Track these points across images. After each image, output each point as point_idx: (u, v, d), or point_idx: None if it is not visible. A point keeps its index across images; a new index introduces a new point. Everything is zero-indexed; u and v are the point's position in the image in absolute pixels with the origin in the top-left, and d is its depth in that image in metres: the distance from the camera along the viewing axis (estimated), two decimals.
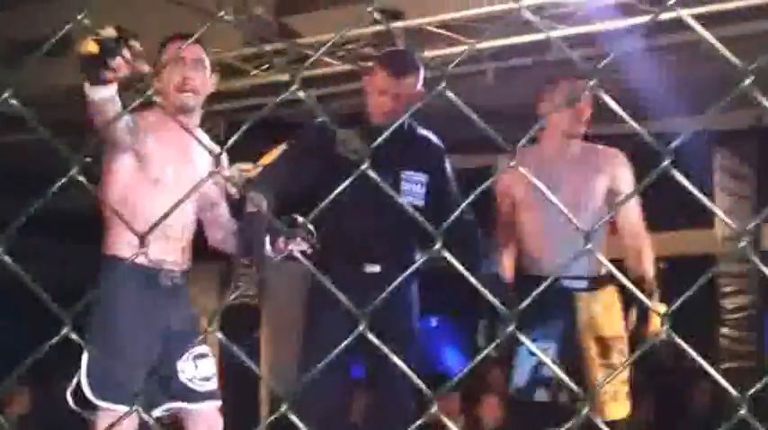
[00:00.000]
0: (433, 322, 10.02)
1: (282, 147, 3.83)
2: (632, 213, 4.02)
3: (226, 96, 7.24)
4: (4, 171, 7.64)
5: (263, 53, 6.92)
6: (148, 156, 3.35)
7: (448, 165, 3.90)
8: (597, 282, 4.00)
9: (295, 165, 3.70)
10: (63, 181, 1.29)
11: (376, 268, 3.71)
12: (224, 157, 3.60)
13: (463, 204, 1.53)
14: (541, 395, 3.90)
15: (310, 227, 3.39)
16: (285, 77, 6.84)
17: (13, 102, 1.24)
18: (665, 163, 1.18)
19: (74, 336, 1.26)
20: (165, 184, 3.37)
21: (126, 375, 3.29)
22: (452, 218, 1.31)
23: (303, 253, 3.38)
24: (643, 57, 5.91)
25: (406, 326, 3.78)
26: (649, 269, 4.01)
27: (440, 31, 6.41)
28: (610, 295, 4.04)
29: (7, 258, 1.26)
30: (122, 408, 3.21)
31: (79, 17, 1.25)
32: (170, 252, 3.43)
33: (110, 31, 2.89)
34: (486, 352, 3.72)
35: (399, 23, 6.46)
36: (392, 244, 3.71)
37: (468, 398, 7.11)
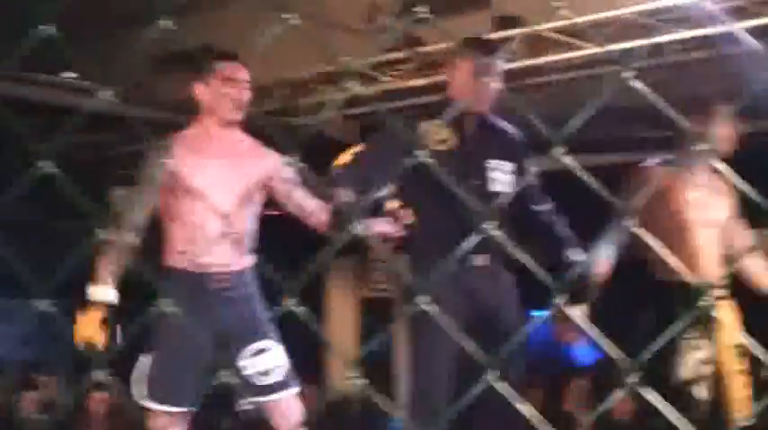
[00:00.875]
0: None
1: (358, 148, 3.64)
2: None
3: (359, 101, 7.34)
4: None
5: (392, 60, 6.97)
6: (182, 173, 3.36)
7: (528, 157, 3.72)
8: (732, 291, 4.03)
9: (376, 162, 3.50)
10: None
11: (480, 260, 3.51)
12: (271, 159, 3.55)
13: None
14: (700, 392, 3.85)
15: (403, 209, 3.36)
16: (412, 83, 6.88)
17: None
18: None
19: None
20: (198, 193, 3.35)
21: (178, 378, 3.33)
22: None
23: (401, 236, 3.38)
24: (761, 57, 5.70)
25: (516, 314, 3.64)
26: None
27: (558, 36, 6.32)
28: (733, 305, 4.04)
29: None
30: (169, 408, 3.31)
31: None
32: (214, 253, 3.39)
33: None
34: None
35: (519, 30, 6.41)
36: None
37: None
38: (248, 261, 3.50)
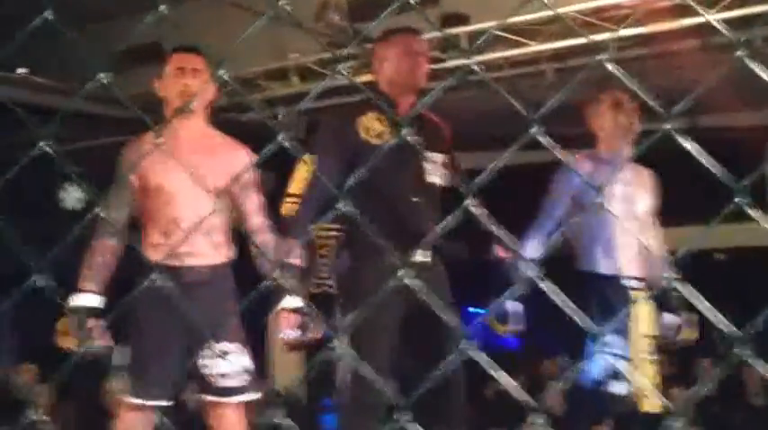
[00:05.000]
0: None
1: (306, 162, 3.50)
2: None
3: (305, 97, 7.35)
4: None
5: (340, 57, 6.99)
6: (148, 173, 3.38)
7: (452, 145, 3.72)
8: (644, 284, 4.11)
9: (332, 171, 3.42)
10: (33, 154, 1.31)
11: (426, 256, 3.46)
12: (245, 154, 3.54)
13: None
14: (619, 388, 3.90)
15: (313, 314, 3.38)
16: (360, 79, 6.90)
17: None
18: (668, 126, 1.17)
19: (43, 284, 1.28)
20: (169, 190, 3.38)
21: (150, 369, 3.31)
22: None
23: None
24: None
25: (452, 310, 3.67)
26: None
27: (503, 33, 6.41)
28: (647, 297, 4.13)
29: None
30: (140, 401, 3.29)
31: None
32: (190, 246, 3.37)
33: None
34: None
35: (464, 28, 6.48)
36: (431, 228, 3.41)
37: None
38: (225, 255, 3.47)
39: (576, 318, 1.23)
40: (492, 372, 1.20)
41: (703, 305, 1.12)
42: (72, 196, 7.79)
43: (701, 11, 5.51)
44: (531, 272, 1.14)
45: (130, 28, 5.64)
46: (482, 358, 1.17)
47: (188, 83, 3.43)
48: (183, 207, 3.37)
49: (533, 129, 1.11)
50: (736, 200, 1.11)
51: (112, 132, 6.88)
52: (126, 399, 3.33)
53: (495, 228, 1.24)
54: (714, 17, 5.26)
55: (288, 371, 8.08)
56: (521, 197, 4.09)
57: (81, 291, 3.34)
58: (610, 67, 1.15)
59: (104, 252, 3.35)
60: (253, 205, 3.51)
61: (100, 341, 3.31)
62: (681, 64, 5.97)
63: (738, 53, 1.18)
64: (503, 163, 1.16)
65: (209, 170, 3.38)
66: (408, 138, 3.48)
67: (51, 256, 1.28)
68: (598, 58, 1.14)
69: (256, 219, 3.50)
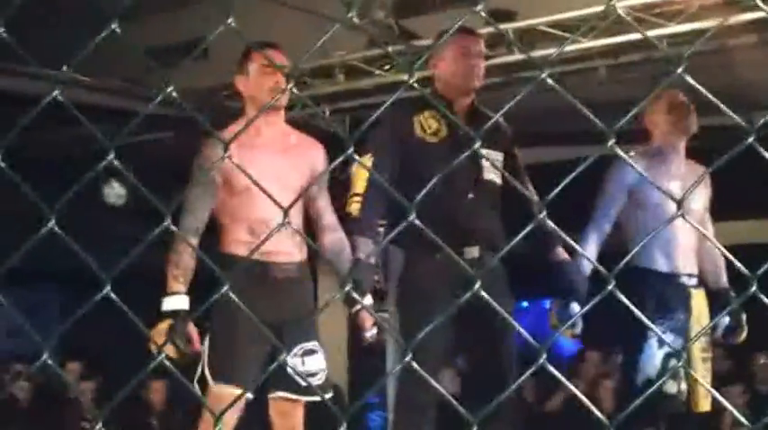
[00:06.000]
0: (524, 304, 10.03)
1: (366, 159, 3.52)
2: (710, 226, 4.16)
3: (351, 95, 7.33)
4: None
5: (386, 54, 6.96)
6: (234, 172, 3.32)
7: (515, 145, 3.74)
8: (699, 281, 4.08)
9: (391, 169, 3.48)
10: (102, 165, 1.29)
11: (475, 253, 3.48)
12: (322, 151, 3.56)
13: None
14: (671, 387, 3.85)
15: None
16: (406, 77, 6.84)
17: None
18: (750, 139, 1.11)
19: (113, 296, 1.26)
20: (256, 190, 3.21)
21: (241, 362, 3.29)
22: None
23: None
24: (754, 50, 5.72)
25: (509, 306, 3.65)
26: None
27: (551, 30, 6.32)
28: (704, 295, 4.09)
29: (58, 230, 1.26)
30: (234, 389, 3.25)
31: (229, 21, 1.26)
32: (278, 244, 3.36)
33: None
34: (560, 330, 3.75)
35: (512, 24, 6.40)
36: (487, 225, 3.49)
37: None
38: (304, 252, 3.49)
39: (639, 318, 1.19)
40: (569, 386, 1.17)
41: None
42: (114, 192, 7.83)
43: (761, 5, 5.38)
44: (608, 283, 1.10)
45: (167, 25, 5.67)
46: (557, 373, 1.16)
47: (279, 80, 3.42)
48: (271, 207, 3.29)
49: (610, 143, 1.07)
50: None
51: (153, 129, 6.92)
52: (218, 388, 3.28)
53: (562, 235, 1.21)
54: None
55: (332, 367, 8.05)
56: (570, 191, 4.02)
57: (173, 293, 3.27)
58: (690, 80, 1.09)
59: (190, 251, 3.28)
60: (326, 203, 3.57)
61: (196, 345, 3.27)
62: (737, 60, 5.85)
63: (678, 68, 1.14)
64: (572, 177, 1.13)
65: (292, 168, 3.42)
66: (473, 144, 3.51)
67: (122, 266, 1.25)
68: (678, 71, 1.09)
69: (329, 217, 3.56)
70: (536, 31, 6.38)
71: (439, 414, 3.43)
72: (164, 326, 3.22)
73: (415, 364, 1.19)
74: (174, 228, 1.29)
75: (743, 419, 1.13)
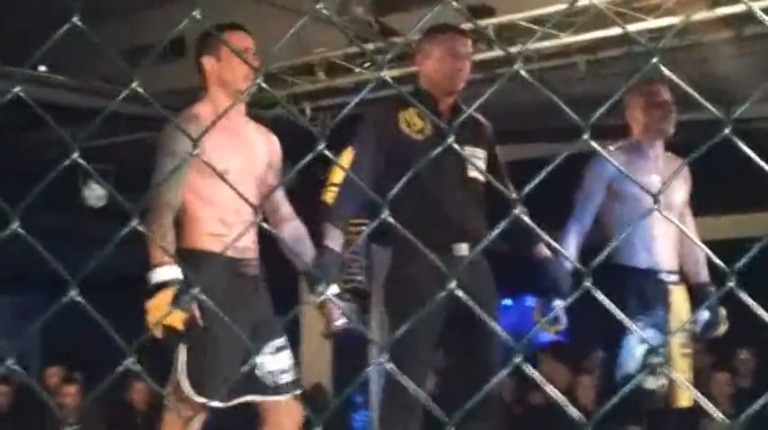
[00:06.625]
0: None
1: (348, 152, 3.51)
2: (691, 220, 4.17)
3: (332, 92, 7.33)
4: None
5: (366, 51, 6.96)
6: (209, 152, 3.06)
7: (496, 142, 3.73)
8: (680, 277, 4.09)
9: (372, 165, 3.44)
10: (65, 165, 1.28)
11: (464, 250, 3.47)
12: (276, 143, 3.47)
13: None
14: (651, 383, 3.85)
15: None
16: (387, 74, 6.84)
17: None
18: (726, 131, 1.13)
19: (79, 299, 1.24)
20: (231, 174, 3.17)
21: (222, 377, 3.14)
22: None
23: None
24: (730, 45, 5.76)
25: (496, 304, 3.68)
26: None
27: (531, 25, 6.34)
28: (684, 291, 4.10)
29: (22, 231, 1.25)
30: (203, 400, 3.13)
31: (194, 13, 1.26)
32: (247, 239, 3.25)
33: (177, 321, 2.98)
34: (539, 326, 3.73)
35: (491, 20, 6.42)
36: (474, 222, 3.46)
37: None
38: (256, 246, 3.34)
39: (617, 315, 1.20)
40: (544, 386, 1.18)
41: (759, 311, 1.08)
42: (95, 194, 7.80)
43: None
44: (585, 280, 1.11)
45: (146, 24, 5.65)
46: (534, 372, 1.16)
47: (258, 65, 3.33)
48: (243, 191, 3.19)
49: (585, 137, 1.08)
50: None
51: (131, 130, 6.89)
52: (190, 398, 3.13)
53: (541, 232, 1.22)
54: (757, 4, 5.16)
55: (316, 366, 8.06)
56: (551, 187, 4.03)
57: (162, 264, 3.02)
58: (665, 70, 1.10)
59: (169, 228, 3.12)
60: (282, 195, 3.48)
61: (198, 317, 3.03)
62: (714, 55, 5.89)
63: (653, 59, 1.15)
64: (547, 171, 1.13)
65: (255, 155, 3.33)
66: (451, 141, 3.51)
67: (90, 268, 1.24)
68: (653, 60, 1.10)
69: (286, 208, 3.47)
70: (515, 27, 6.40)
71: (426, 411, 3.44)
72: (163, 298, 2.99)
73: (390, 366, 1.19)
74: (141, 228, 1.26)
75: (721, 416, 1.13)
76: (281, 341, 3.31)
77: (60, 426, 6.99)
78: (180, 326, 2.96)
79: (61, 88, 6.91)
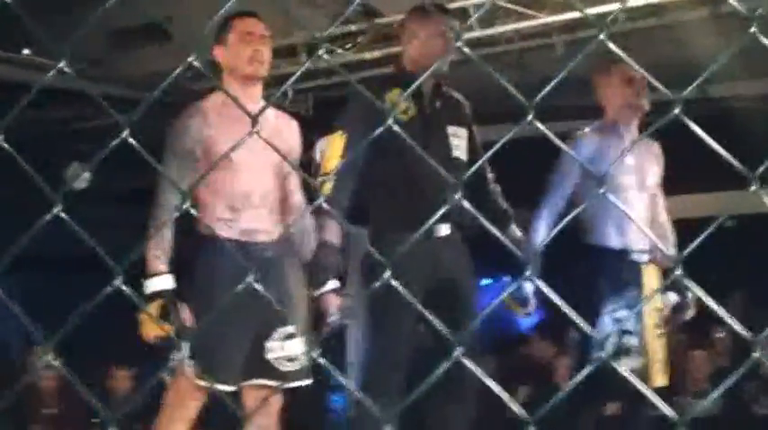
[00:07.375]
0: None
1: (338, 137, 3.53)
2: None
3: (313, 74, 7.33)
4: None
5: (348, 33, 6.97)
6: (216, 140, 3.22)
7: (474, 122, 3.76)
8: (652, 257, 4.11)
9: (363, 148, 3.43)
10: (116, 142, 1.33)
11: (445, 230, 3.50)
12: (296, 129, 3.51)
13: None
14: (626, 363, 3.88)
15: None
16: (369, 55, 6.88)
17: None
18: (676, 110, 1.18)
19: (125, 289, 1.27)
20: (238, 162, 3.22)
21: (228, 359, 3.19)
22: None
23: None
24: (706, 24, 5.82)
25: (474, 283, 3.73)
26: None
27: (509, 5, 6.37)
28: (656, 270, 4.13)
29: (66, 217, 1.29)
30: (205, 384, 3.18)
31: None
32: (259, 221, 3.29)
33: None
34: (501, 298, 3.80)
35: (471, 0, 6.45)
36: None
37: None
38: (280, 231, 3.37)
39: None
40: (487, 382, 1.20)
41: (718, 310, 1.13)
42: (77, 175, 7.78)
43: None
44: (530, 270, 1.15)
45: (129, 7, 5.62)
46: (477, 369, 1.18)
47: (259, 48, 3.33)
48: (253, 181, 3.27)
49: (529, 118, 1.13)
50: (752, 189, 1.13)
51: (123, 112, 6.88)
52: (193, 381, 3.18)
53: (483, 219, 1.25)
54: None
55: None
56: (528, 169, 4.08)
57: (156, 274, 3.15)
58: (612, 46, 1.17)
59: (168, 229, 3.20)
60: (296, 182, 3.48)
61: (189, 323, 3.15)
62: (689, 35, 5.94)
63: (752, 29, 1.19)
64: (491, 153, 1.19)
65: (275, 142, 3.28)
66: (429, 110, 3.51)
67: (133, 257, 1.27)
68: (600, 36, 1.16)
69: (298, 196, 3.48)
70: (495, 7, 6.43)
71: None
72: (152, 310, 3.11)
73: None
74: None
75: (669, 411, 1.18)
76: (291, 328, 3.31)
77: (41, 411, 7.00)
78: (166, 335, 3.11)
79: (44, 71, 6.87)
